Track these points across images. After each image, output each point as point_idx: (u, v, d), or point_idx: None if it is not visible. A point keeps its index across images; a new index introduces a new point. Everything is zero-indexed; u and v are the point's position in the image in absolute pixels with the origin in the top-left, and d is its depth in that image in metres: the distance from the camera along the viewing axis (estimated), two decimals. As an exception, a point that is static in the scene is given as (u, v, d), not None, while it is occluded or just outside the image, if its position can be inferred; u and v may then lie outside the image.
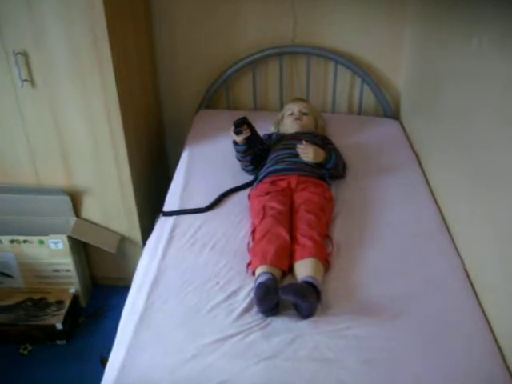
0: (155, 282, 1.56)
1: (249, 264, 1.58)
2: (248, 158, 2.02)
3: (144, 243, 2.28)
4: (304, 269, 1.52)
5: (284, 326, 1.39)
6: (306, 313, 1.39)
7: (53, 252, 2.18)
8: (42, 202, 2.18)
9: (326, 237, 1.68)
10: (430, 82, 2.19)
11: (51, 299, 2.23)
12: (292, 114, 2.21)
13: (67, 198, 2.17)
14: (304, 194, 1.80)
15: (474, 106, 1.67)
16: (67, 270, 2.24)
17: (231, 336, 1.36)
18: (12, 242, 2.16)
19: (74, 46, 1.87)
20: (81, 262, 2.31)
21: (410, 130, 2.44)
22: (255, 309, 1.44)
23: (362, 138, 2.40)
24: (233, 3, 2.44)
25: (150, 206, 2.44)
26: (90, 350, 2.16)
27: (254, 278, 1.53)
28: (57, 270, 2.24)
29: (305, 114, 2.21)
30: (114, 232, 2.28)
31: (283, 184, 1.85)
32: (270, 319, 1.42)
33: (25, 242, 2.16)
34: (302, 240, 1.60)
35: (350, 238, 1.74)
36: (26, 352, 2.16)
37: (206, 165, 2.18)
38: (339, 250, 1.68)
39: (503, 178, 1.42)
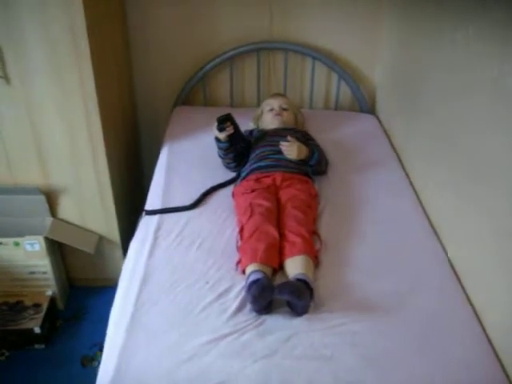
0: (144, 283, 1.54)
1: (238, 262, 1.57)
2: (230, 156, 2.01)
3: (123, 243, 2.26)
4: (295, 266, 1.52)
5: (278, 325, 1.40)
6: (300, 311, 1.40)
7: (29, 254, 2.12)
8: (17, 201, 2.12)
9: (314, 233, 1.69)
10: (407, 78, 2.23)
11: (28, 302, 2.18)
12: (272, 109, 2.21)
13: (43, 198, 2.11)
14: (290, 190, 1.80)
15: (453, 99, 1.71)
16: (44, 272, 2.18)
17: (226, 336, 1.36)
18: (-15, 244, 2.09)
19: (51, 41, 1.81)
20: (57, 264, 2.26)
21: (387, 125, 2.48)
22: (248, 307, 1.44)
23: (341, 133, 2.42)
24: (209, -2, 2.43)
25: (128, 205, 2.41)
26: (69, 353, 2.12)
27: (243, 277, 1.53)
28: (33, 273, 2.18)
29: (285, 109, 2.21)
30: (92, 232, 2.24)
31: (268, 181, 1.85)
32: (263, 318, 1.42)
33: (-1, 244, 2.10)
34: (291, 237, 1.61)
35: (336, 234, 1.76)
36: (2, 358, 2.09)
37: (186, 162, 2.16)
38: (327, 246, 1.69)
39: (486, 169, 1.46)
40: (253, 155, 1.99)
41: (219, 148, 2.01)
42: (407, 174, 2.12)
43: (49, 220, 2.17)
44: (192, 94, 2.60)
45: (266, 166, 1.90)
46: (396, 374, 1.26)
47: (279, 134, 2.05)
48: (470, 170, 1.57)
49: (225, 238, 1.73)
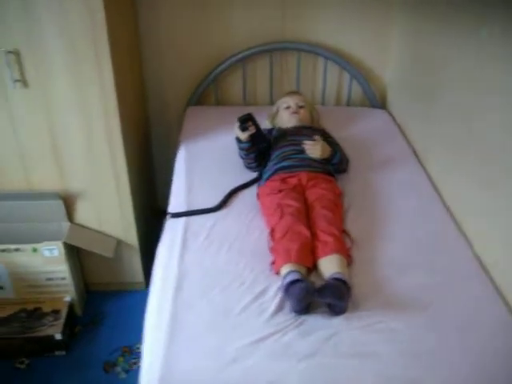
0: (178, 287, 1.55)
1: (272, 263, 1.59)
2: (252, 156, 2.03)
3: (141, 246, 2.27)
4: (330, 265, 1.55)
5: (318, 324, 1.42)
6: (339, 311, 1.42)
7: (47, 260, 2.12)
8: (33, 207, 2.12)
9: (343, 232, 1.72)
10: (422, 75, 2.27)
11: (46, 309, 2.18)
12: (288, 107, 2.22)
13: (60, 203, 2.12)
14: (316, 190, 1.83)
15: (474, 94, 1.76)
16: (62, 278, 2.19)
17: (267, 336, 1.37)
18: (3, 251, 2.09)
19: (70, 44, 1.82)
20: (75, 269, 2.26)
21: (400, 121, 2.51)
22: (287, 308, 1.46)
23: (355, 129, 2.45)
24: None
25: (144, 208, 2.42)
26: (90, 360, 2.13)
27: (278, 277, 1.55)
28: (50, 279, 2.18)
29: (301, 107, 2.23)
30: (110, 236, 2.24)
31: (294, 181, 1.87)
32: (302, 318, 1.44)
33: (16, 250, 2.10)
34: (323, 236, 1.63)
35: (363, 231, 1.78)
36: (23, 366, 2.10)
37: (205, 162, 2.18)
38: (356, 244, 1.72)
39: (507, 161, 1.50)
40: (275, 155, 2.01)
41: (240, 148, 2.03)
42: (424, 169, 2.15)
43: (66, 225, 2.17)
44: (204, 94, 2.61)
45: (290, 166, 1.92)
46: (438, 370, 1.29)
47: (299, 132, 2.07)
48: (494, 163, 1.61)
49: (254, 239, 1.75)
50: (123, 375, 2.07)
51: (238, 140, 2.02)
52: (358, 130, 2.44)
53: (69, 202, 2.15)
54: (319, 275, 1.58)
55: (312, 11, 2.49)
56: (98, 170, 2.08)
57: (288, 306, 1.47)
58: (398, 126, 2.50)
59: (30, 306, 2.18)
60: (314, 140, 1.95)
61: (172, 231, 1.80)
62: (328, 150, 1.96)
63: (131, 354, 2.15)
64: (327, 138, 2.11)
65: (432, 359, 1.32)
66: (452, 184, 1.95)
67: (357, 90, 2.67)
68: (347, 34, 2.56)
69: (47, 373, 2.07)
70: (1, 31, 1.78)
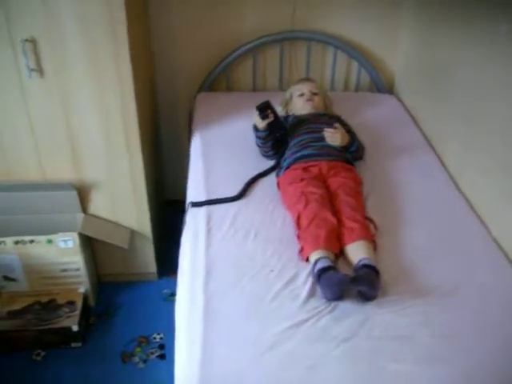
0: (208, 275, 1.58)
1: (300, 251, 1.63)
2: (269, 144, 2.06)
3: (154, 236, 2.29)
4: (357, 251, 1.59)
5: (350, 309, 1.46)
6: (371, 298, 1.47)
7: (62, 251, 2.14)
8: (47, 198, 2.13)
9: (367, 219, 1.76)
10: (434, 64, 2.32)
11: (61, 300, 2.19)
12: (302, 94, 2.25)
13: (74, 193, 2.13)
14: (337, 179, 1.87)
15: (490, 84, 1.83)
16: (76, 269, 2.20)
17: (303, 322, 1.42)
18: (17, 243, 2.10)
19: (88, 33, 1.83)
20: (89, 260, 2.27)
21: (410, 107, 2.57)
22: (318, 293, 1.51)
23: (366, 115, 2.50)
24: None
25: (156, 197, 2.44)
26: (107, 351, 2.16)
27: (307, 264, 1.60)
28: (65, 270, 2.20)
29: (315, 94, 2.26)
30: (124, 226, 2.26)
31: (315, 170, 1.91)
32: (334, 303, 1.48)
33: (31, 242, 2.11)
34: (349, 223, 1.67)
35: (384, 219, 1.83)
36: (39, 358, 2.11)
37: (220, 150, 2.22)
38: (379, 231, 1.77)
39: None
40: (293, 143, 2.04)
41: (258, 137, 2.06)
42: (438, 156, 2.22)
43: (80, 216, 2.18)
44: (214, 81, 2.63)
45: (311, 155, 1.96)
46: (476, 351, 1.35)
47: (317, 120, 2.11)
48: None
49: (278, 227, 1.78)
50: (141, 365, 2.10)
51: (256, 128, 2.05)
52: (369, 116, 2.49)
53: (83, 193, 2.16)
54: (346, 261, 1.63)
55: (321, 1, 2.52)
56: (114, 159, 2.09)
57: (319, 291, 1.51)
58: (408, 112, 2.55)
59: (44, 298, 2.20)
60: (335, 128, 1.98)
61: (195, 220, 1.83)
62: (347, 138, 2.00)
63: (148, 343, 2.18)
64: (343, 125, 2.14)
65: (465, 340, 1.38)
66: (467, 169, 2.02)
67: (365, 78, 2.72)
68: (357, 24, 2.60)
69: (64, 364, 2.09)
70: (18, 19, 1.78)
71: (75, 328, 2.10)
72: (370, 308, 1.47)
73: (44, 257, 2.14)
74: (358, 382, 1.28)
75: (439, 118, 2.29)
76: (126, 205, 2.21)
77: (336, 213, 1.73)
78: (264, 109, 1.98)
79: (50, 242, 2.11)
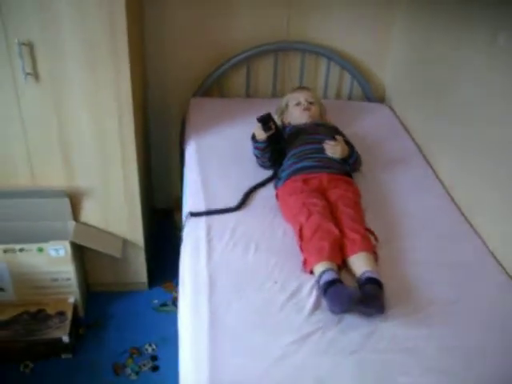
0: (211, 288, 1.58)
1: (304, 262, 1.65)
2: (267, 155, 2.08)
3: (146, 245, 2.29)
4: (360, 263, 1.63)
5: (356, 321, 1.49)
6: (378, 313, 1.50)
7: (52, 260, 2.12)
8: (39, 205, 2.11)
9: (367, 230, 1.80)
10: (427, 76, 2.39)
11: (50, 311, 2.17)
12: (299, 103, 2.27)
13: (66, 201, 2.11)
14: (337, 191, 1.89)
15: (484, 97, 1.91)
16: (67, 279, 2.18)
17: (310, 334, 1.44)
18: (6, 251, 2.07)
19: (86, 38, 1.82)
20: (80, 269, 2.25)
21: (402, 116, 2.64)
22: (323, 305, 1.53)
23: (359, 124, 2.54)
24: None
25: (146, 206, 2.43)
26: (98, 362, 2.15)
27: (310, 276, 1.62)
28: (55, 279, 2.18)
29: (311, 103, 2.28)
30: (116, 235, 2.25)
31: (315, 182, 1.93)
32: (340, 315, 1.51)
33: (21, 250, 2.08)
34: (351, 234, 1.70)
35: (382, 230, 1.86)
36: (27, 370, 2.09)
37: (218, 158, 2.23)
38: (379, 243, 1.80)
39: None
40: (291, 154, 2.06)
41: (256, 148, 2.08)
42: (431, 166, 2.28)
43: (71, 224, 2.17)
44: (207, 89, 2.64)
45: (310, 167, 1.98)
46: (480, 366, 1.39)
47: (315, 130, 2.14)
48: (505, 159, 1.75)
49: (279, 238, 1.81)
50: (134, 377, 2.09)
51: (255, 139, 2.07)
52: (362, 126, 2.53)
53: (75, 201, 2.15)
54: (349, 271, 1.66)
55: (315, 12, 2.57)
56: (108, 167, 2.09)
57: (324, 304, 1.53)
58: (400, 121, 2.62)
59: (33, 308, 2.17)
60: (335, 139, 2.01)
61: (194, 231, 1.84)
62: (347, 150, 2.03)
63: (140, 355, 2.17)
64: (341, 136, 2.17)
65: (472, 353, 1.42)
66: (459, 179, 2.09)
67: (357, 87, 2.77)
68: (349, 35, 2.65)
69: (54, 376, 2.08)
70: (15, 21, 1.76)
71: (66, 339, 2.08)
72: (375, 321, 1.50)
73: (34, 266, 2.12)
74: (368, 395, 1.31)
75: (431, 129, 2.35)
76: (118, 213, 2.20)
77: (337, 224, 1.76)
78: (266, 120, 1.99)
79: (40, 250, 2.09)
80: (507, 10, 1.79)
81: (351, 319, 1.50)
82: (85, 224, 2.20)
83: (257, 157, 2.13)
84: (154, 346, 2.21)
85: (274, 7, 2.52)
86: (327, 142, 2.00)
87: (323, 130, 2.16)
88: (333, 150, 2.00)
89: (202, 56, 2.59)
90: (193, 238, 1.81)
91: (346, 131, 2.36)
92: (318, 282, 1.58)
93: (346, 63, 2.67)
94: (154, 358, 2.16)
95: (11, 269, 2.11)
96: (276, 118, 2.31)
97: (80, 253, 2.25)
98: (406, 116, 2.62)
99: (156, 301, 2.43)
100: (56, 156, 2.04)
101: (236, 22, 2.54)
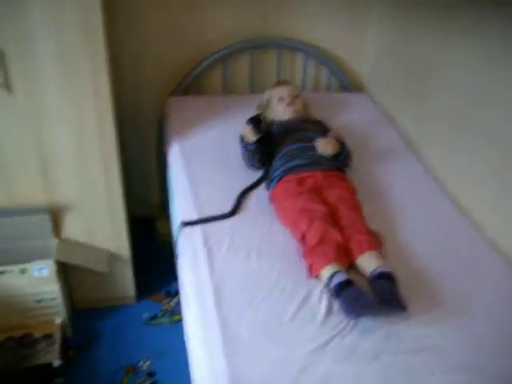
0: (218, 300, 1.54)
1: (310, 267, 1.62)
2: (257, 157, 2.04)
3: (134, 257, 2.22)
4: (370, 261, 1.62)
5: (372, 324, 1.47)
6: (400, 312, 1.48)
7: (36, 280, 2.03)
8: (16, 224, 2.01)
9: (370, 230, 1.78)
10: (409, 66, 2.40)
11: (37, 334, 2.08)
12: (281, 98, 2.24)
13: (46, 217, 2.03)
14: (334, 191, 1.87)
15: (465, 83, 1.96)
16: (52, 299, 2.09)
17: (328, 342, 1.42)
18: (-16, 275, 1.96)
19: (62, 45, 1.74)
20: (65, 287, 2.17)
21: (384, 105, 2.66)
22: (335, 310, 1.51)
23: (341, 117, 2.52)
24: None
25: (128, 215, 2.36)
26: (92, 383, 2.06)
27: (318, 281, 1.60)
28: (40, 301, 2.08)
29: (295, 96, 2.25)
30: (101, 249, 2.18)
31: (310, 181, 1.90)
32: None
33: (2, 273, 1.99)
34: (355, 236, 1.69)
35: (380, 227, 1.85)
36: (18, 401, 1.99)
37: (204, 161, 2.18)
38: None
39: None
40: (282, 153, 2.02)
41: (247, 150, 2.03)
42: (419, 158, 2.30)
43: (53, 241, 2.08)
44: (184, 91, 2.58)
45: (302, 165, 1.95)
46: (504, 355, 1.40)
47: (302, 127, 2.11)
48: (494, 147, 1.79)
49: (279, 243, 1.77)
50: (132, 396, 2.03)
51: (243, 141, 2.03)
52: (344, 118, 2.52)
53: (55, 216, 2.06)
54: (358, 274, 1.64)
55: (289, 7, 2.55)
56: (89, 178, 2.02)
57: (336, 308, 1.52)
58: (381, 110, 2.63)
59: (18, 333, 2.07)
60: (325, 136, 1.99)
61: (190, 241, 1.79)
62: (337, 147, 2.01)
63: (136, 372, 2.11)
64: (328, 130, 2.15)
65: (493, 347, 1.43)
66: (450, 167, 2.12)
67: (335, 81, 2.76)
68: (325, 29, 2.65)
69: (47, 404, 1.99)
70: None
71: (56, 363, 2.00)
72: (391, 321, 1.49)
73: (17, 288, 2.02)
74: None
75: (417, 116, 2.37)
76: (102, 226, 2.13)
77: (340, 229, 1.73)
78: (256, 122, 1.95)
79: (23, 272, 2.00)
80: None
81: (366, 322, 1.49)
82: (67, 240, 2.12)
83: (246, 158, 2.09)
84: (149, 362, 2.15)
85: (250, 4, 2.48)
86: (318, 139, 1.98)
87: (311, 126, 2.13)
88: (324, 147, 1.97)
89: (177, 55, 2.53)
90: (190, 249, 1.76)
91: (330, 124, 2.34)
92: (328, 285, 1.56)
93: (323, 57, 2.66)
94: (150, 374, 2.10)
95: (-9, 293, 2.01)
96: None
97: (64, 270, 2.17)
98: (387, 104, 2.62)
99: (145, 314, 2.37)
100: (33, 171, 1.95)
101: (211, 20, 2.49)
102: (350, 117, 2.55)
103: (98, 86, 1.83)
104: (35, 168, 1.95)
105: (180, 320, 2.30)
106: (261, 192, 2.02)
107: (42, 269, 2.00)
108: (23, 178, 1.96)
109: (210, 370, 1.37)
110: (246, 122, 1.96)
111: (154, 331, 2.29)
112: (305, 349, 1.40)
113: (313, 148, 2.00)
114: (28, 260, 2.00)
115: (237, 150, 2.14)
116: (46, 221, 2.03)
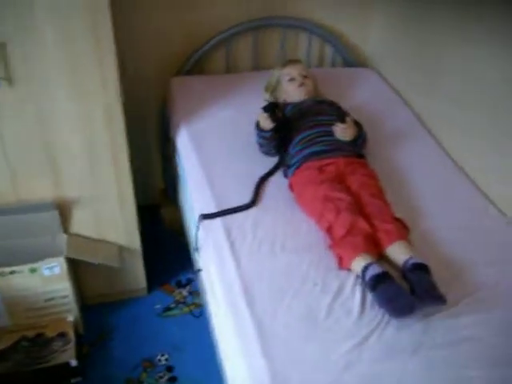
0: (248, 295, 1.52)
1: (339, 259, 1.61)
2: (273, 143, 2.00)
3: (144, 250, 2.19)
4: (400, 251, 1.61)
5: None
6: (441, 304, 1.47)
7: (47, 279, 1.99)
8: (25, 221, 1.96)
9: (397, 219, 1.76)
10: (418, 44, 2.36)
11: (50, 333, 2.05)
12: (292, 79, 2.18)
13: (55, 213, 1.97)
14: (357, 177, 1.84)
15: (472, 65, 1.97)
16: (63, 297, 2.06)
17: (366, 337, 1.41)
18: (-6, 276, 1.92)
19: (67, 36, 1.67)
20: (75, 284, 2.13)
21: (393, 81, 2.63)
22: (369, 303, 1.50)
23: (348, 95, 2.48)
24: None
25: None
26: (110, 381, 2.05)
27: (349, 272, 1.59)
28: (51, 299, 2.06)
29: (305, 76, 2.20)
30: (111, 243, 2.13)
31: (332, 169, 1.87)
32: (389, 311, 1.49)
33: (12, 273, 1.94)
34: (383, 226, 1.67)
35: (402, 213, 1.83)
36: (35, 402, 1.97)
37: (216, 147, 2.14)
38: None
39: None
40: (299, 138, 1.98)
41: (262, 137, 1.99)
42: (435, 138, 2.28)
43: (62, 237, 2.03)
44: (187, 72, 2.52)
45: (322, 151, 1.91)
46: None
47: (319, 110, 2.07)
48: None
49: (303, 234, 1.75)
50: (152, 392, 2.02)
51: (259, 128, 1.98)
52: (352, 95, 2.48)
53: (64, 212, 2.01)
54: (390, 264, 1.63)
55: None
56: (99, 171, 1.97)
57: (371, 300, 1.51)
58: (390, 86, 2.60)
59: (31, 333, 2.04)
60: (343, 121, 1.94)
61: (212, 234, 1.76)
62: (356, 131, 1.97)
63: (154, 367, 2.10)
64: (345, 114, 2.09)
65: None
66: (466, 146, 2.12)
67: (340, 58, 2.72)
68: (330, 7, 2.59)
69: (67, 404, 1.97)
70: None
71: (73, 363, 1.97)
72: (426, 311, 1.48)
73: (27, 288, 1.98)
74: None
75: (428, 98, 2.34)
76: (112, 218, 2.09)
77: (366, 217, 1.70)
78: (272, 109, 1.90)
79: (33, 271, 1.95)
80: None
81: (401, 314, 1.48)
82: (77, 235, 2.07)
83: (261, 145, 2.04)
84: (167, 356, 2.14)
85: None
86: (337, 124, 1.93)
87: (327, 109, 2.09)
88: (343, 133, 1.93)
89: (178, 37, 2.46)
90: (212, 242, 1.73)
91: (339, 101, 2.30)
92: (362, 277, 1.54)
93: (328, 34, 2.62)
94: (169, 368, 2.09)
95: (3, 293, 1.96)
96: (267, 96, 2.23)
97: (74, 266, 2.12)
98: (396, 81, 2.59)
99: (158, 306, 2.34)
100: (41, 166, 1.90)
101: (213, 3, 2.42)
102: (359, 93, 2.51)
103: (105, 78, 1.77)
104: (42, 162, 1.89)
105: (191, 311, 2.29)
106: (278, 179, 1.99)
107: (52, 267, 1.96)
108: (30, 173, 1.90)
109: (248, 370, 1.36)
110: (262, 109, 1.90)
111: (168, 323, 2.28)
112: (344, 346, 1.39)
113: (331, 133, 1.96)
114: (37, 258, 1.94)
115: (248, 130, 2.09)
116: (54, 217, 1.98)
